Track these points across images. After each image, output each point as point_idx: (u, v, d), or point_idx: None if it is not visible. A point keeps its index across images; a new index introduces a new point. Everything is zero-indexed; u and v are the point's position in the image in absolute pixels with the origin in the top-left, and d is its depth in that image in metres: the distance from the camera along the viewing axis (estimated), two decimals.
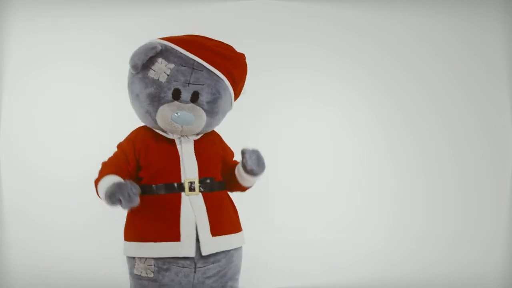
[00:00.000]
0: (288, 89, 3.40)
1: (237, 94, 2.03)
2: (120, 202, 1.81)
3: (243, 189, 2.06)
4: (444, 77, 3.47)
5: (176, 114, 1.89)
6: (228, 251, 1.96)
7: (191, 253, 1.89)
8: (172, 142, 1.96)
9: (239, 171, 1.99)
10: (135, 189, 1.80)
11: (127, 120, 2.05)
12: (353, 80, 3.46)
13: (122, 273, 2.84)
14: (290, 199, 3.37)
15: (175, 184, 1.91)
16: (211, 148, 2.00)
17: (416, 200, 3.44)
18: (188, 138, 1.96)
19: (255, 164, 1.93)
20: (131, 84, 1.98)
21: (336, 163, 3.45)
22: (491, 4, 3.43)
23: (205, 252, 1.90)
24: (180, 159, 1.93)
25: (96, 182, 1.96)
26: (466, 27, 3.45)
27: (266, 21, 3.43)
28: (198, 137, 1.99)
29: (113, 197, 1.81)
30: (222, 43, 2.04)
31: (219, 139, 2.07)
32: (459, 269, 3.31)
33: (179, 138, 1.96)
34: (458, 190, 3.44)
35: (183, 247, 1.89)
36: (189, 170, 1.93)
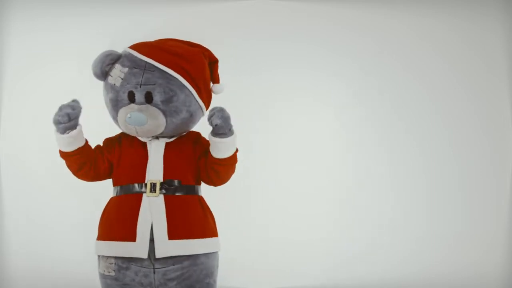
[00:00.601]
0: (288, 89, 3.40)
1: (202, 91, 1.98)
2: (60, 119, 1.87)
3: (217, 167, 1.97)
4: (444, 77, 3.47)
5: (128, 116, 1.90)
6: (192, 254, 1.95)
7: (144, 254, 1.89)
8: (143, 144, 1.98)
9: (209, 140, 1.95)
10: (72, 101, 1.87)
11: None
12: (353, 80, 3.46)
13: None
14: (290, 199, 3.37)
15: (137, 185, 1.93)
16: (183, 150, 1.99)
17: (416, 200, 3.43)
18: (159, 140, 1.97)
19: (218, 117, 1.87)
20: (102, 93, 2.03)
21: (335, 163, 3.45)
22: (491, 4, 3.42)
23: (159, 254, 1.89)
24: (148, 160, 1.95)
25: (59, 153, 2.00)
26: (466, 27, 3.44)
27: (266, 21, 3.43)
28: (172, 139, 1.99)
29: (55, 120, 1.88)
30: (183, 41, 2.04)
31: (197, 139, 2.03)
32: (459, 269, 3.31)
33: (150, 140, 1.97)
34: (458, 190, 3.43)
35: (137, 248, 1.89)
36: (154, 171, 1.93)
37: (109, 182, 3.22)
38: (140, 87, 1.90)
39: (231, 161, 1.97)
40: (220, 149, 1.93)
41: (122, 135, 2.03)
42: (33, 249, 3.26)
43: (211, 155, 1.95)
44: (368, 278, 3.28)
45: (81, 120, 3.29)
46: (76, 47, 3.38)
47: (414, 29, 3.46)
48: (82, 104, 1.91)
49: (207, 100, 2.02)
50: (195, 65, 1.97)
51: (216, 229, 2.03)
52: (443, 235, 3.39)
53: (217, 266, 2.03)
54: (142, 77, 1.91)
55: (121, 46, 2.08)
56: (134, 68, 1.93)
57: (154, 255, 1.90)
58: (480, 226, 3.40)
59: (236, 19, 3.40)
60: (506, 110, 3.43)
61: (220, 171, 1.98)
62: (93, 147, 2.04)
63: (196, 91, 1.96)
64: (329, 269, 3.30)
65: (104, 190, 3.25)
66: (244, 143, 3.12)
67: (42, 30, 3.37)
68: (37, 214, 3.32)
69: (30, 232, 3.31)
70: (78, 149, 1.94)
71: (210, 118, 1.89)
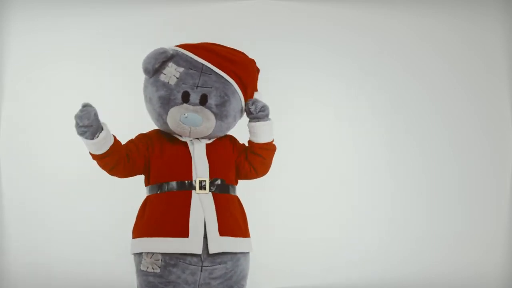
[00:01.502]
0: (288, 89, 3.40)
1: (248, 98, 2.04)
2: (84, 125, 1.86)
3: (261, 152, 2.05)
4: (444, 77, 3.47)
5: (184, 116, 1.93)
6: (235, 254, 1.97)
7: (199, 250, 1.90)
8: (184, 144, 2.00)
9: (249, 129, 2.03)
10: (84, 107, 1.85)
11: (127, 119, 2.06)
12: (352, 80, 3.46)
13: (123, 272, 2.85)
14: (290, 199, 3.37)
15: (186, 182, 1.95)
16: (223, 151, 2.03)
17: (416, 200, 3.44)
18: (200, 141, 2.00)
19: (256, 101, 2.00)
20: (144, 88, 2.03)
21: (335, 163, 3.45)
22: (491, 4, 3.43)
23: (212, 250, 1.91)
24: (192, 159, 1.97)
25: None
26: (466, 27, 3.45)
27: (266, 21, 3.43)
28: (211, 141, 2.02)
29: (75, 125, 1.87)
30: (234, 49, 2.08)
31: (233, 141, 2.09)
32: (459, 269, 3.31)
33: (191, 140, 2.00)
34: (458, 190, 3.44)
35: (191, 244, 1.90)
36: (200, 170, 1.96)
37: (107, 180, 3.23)
38: (197, 88, 1.94)
39: (273, 146, 2.06)
40: (264, 132, 2.01)
41: (160, 132, 2.04)
42: (34, 249, 3.26)
43: (254, 142, 2.03)
44: (368, 278, 3.28)
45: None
46: (76, 47, 3.38)
47: (414, 29, 3.46)
48: (92, 104, 1.88)
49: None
50: (248, 73, 2.04)
51: (249, 230, 2.07)
52: (443, 235, 3.39)
53: (249, 268, 2.06)
54: (200, 79, 1.95)
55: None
56: (191, 69, 1.96)
57: (205, 252, 1.92)
58: (480, 226, 3.40)
59: (236, 19, 3.40)
60: (506, 110, 3.43)
61: (265, 156, 2.05)
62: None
63: (244, 97, 2.02)
64: (329, 269, 3.30)
65: (103, 189, 3.27)
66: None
67: (42, 30, 3.37)
68: (37, 214, 3.32)
69: (30, 231, 3.31)
70: (110, 148, 1.94)
71: (253, 104, 1.99)
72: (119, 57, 3.31)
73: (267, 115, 2.01)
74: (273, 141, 2.07)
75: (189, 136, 1.99)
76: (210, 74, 1.96)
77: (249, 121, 2.03)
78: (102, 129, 1.89)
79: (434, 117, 3.47)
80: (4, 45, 3.35)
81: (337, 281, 3.26)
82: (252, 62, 2.08)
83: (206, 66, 1.96)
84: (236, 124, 2.07)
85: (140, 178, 2.10)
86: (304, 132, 3.43)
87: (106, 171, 2.03)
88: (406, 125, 3.47)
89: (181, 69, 1.95)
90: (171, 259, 1.92)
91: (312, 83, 3.44)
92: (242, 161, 2.05)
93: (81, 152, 3.30)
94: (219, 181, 1.97)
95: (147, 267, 1.95)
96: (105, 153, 1.94)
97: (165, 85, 1.95)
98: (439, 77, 3.47)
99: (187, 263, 1.92)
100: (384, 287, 3.22)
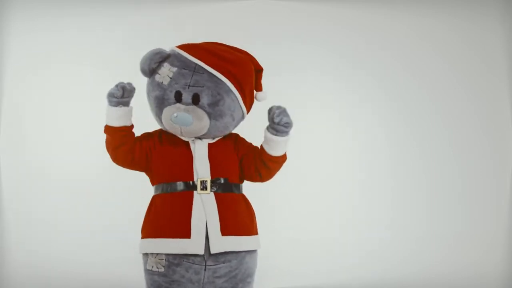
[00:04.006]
0: (288, 89, 3.40)
1: (247, 97, 2.03)
2: (115, 92, 1.94)
3: (270, 164, 2.03)
4: (444, 77, 3.47)
5: (174, 115, 1.93)
6: (239, 252, 1.98)
7: (201, 250, 1.92)
8: (187, 144, 2.00)
9: (265, 137, 2.00)
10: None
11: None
12: (353, 80, 3.46)
13: (123, 273, 2.85)
14: (291, 200, 3.37)
15: (187, 183, 1.95)
16: (225, 150, 2.03)
17: (416, 200, 3.44)
18: (202, 140, 2.00)
19: (287, 115, 1.97)
20: (146, 89, 2.05)
21: (336, 163, 3.45)
22: (491, 4, 3.43)
23: (214, 250, 1.92)
24: (193, 159, 1.97)
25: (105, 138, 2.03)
26: (466, 27, 3.45)
27: (266, 21, 3.43)
28: (214, 140, 2.02)
29: (110, 93, 1.95)
30: (233, 48, 2.07)
31: (239, 140, 2.08)
32: (459, 269, 3.31)
33: (193, 140, 2.00)
34: (458, 190, 3.44)
35: (193, 244, 1.92)
36: (202, 170, 1.97)
37: (107, 180, 3.23)
38: (189, 88, 1.94)
39: (284, 158, 2.05)
40: (278, 146, 1.99)
41: (163, 132, 2.05)
42: (34, 249, 3.26)
43: (266, 152, 2.00)
44: (368, 278, 3.28)
45: (81, 119, 3.30)
46: (76, 47, 3.38)
47: (414, 29, 3.46)
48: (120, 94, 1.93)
49: (249, 106, 2.06)
50: (243, 71, 2.01)
51: (257, 228, 2.07)
52: (443, 235, 3.39)
53: (256, 265, 2.07)
54: (191, 78, 1.95)
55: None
56: (184, 68, 1.96)
57: (208, 252, 1.93)
58: (480, 226, 3.41)
59: (236, 19, 3.40)
60: (506, 110, 3.43)
61: (273, 168, 2.04)
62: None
63: (241, 96, 2.00)
64: (329, 269, 3.30)
65: (104, 189, 3.27)
66: None
67: (42, 30, 3.37)
68: (37, 213, 3.32)
69: (30, 231, 3.31)
70: (125, 126, 1.97)
71: (278, 116, 1.95)
72: (119, 57, 3.31)
73: (287, 132, 1.98)
74: (285, 153, 2.04)
75: (182, 135, 1.99)
76: (203, 73, 1.95)
77: (267, 129, 1.99)
78: (127, 106, 1.96)
79: (434, 117, 3.47)
80: (4, 45, 3.35)
81: (337, 281, 3.26)
82: (250, 60, 2.06)
83: (198, 65, 1.96)
84: (241, 123, 2.06)
85: (141, 178, 2.10)
86: (304, 132, 3.43)
87: (112, 149, 2.02)
88: (406, 125, 3.47)
89: (175, 69, 1.96)
90: (175, 259, 1.94)
91: (312, 83, 3.44)
92: (248, 162, 2.04)
93: (81, 152, 3.33)
94: (221, 180, 1.97)
95: (152, 267, 1.97)
96: (118, 127, 1.96)
97: (159, 85, 1.96)
98: (439, 77, 3.47)
99: (190, 263, 1.94)
100: (384, 287, 3.22)
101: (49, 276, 3.15)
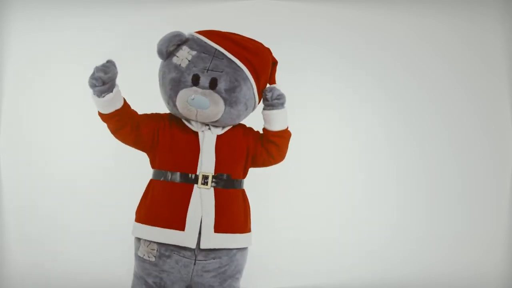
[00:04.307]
0: (288, 89, 3.40)
1: (261, 88, 2.05)
2: (94, 83, 1.89)
3: (276, 139, 2.06)
4: (444, 77, 3.47)
5: (191, 98, 1.92)
6: (231, 250, 1.98)
7: (193, 244, 1.93)
8: (195, 134, 2.00)
9: (264, 116, 2.05)
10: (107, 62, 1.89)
11: None
12: (353, 80, 3.46)
13: (123, 273, 2.84)
14: (291, 199, 3.37)
15: (190, 175, 1.96)
16: (234, 144, 2.03)
17: (416, 200, 3.44)
18: (211, 132, 2.00)
19: (274, 89, 2.02)
20: (159, 72, 2.04)
21: (336, 163, 3.45)
22: (491, 4, 3.43)
23: (204, 246, 1.94)
24: (200, 152, 1.97)
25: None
26: (466, 27, 3.44)
27: (266, 21, 3.43)
28: (223, 131, 2.02)
29: (90, 84, 1.90)
30: (250, 38, 2.09)
31: (247, 131, 2.09)
32: (459, 269, 3.31)
33: (202, 131, 2.00)
34: (458, 190, 3.44)
35: (186, 237, 1.93)
36: (206, 164, 1.97)
37: (107, 180, 3.23)
38: (207, 72, 1.94)
39: (288, 133, 2.08)
40: (277, 121, 2.03)
41: (173, 117, 2.04)
42: (34, 249, 3.26)
43: (269, 130, 2.04)
44: (368, 278, 3.28)
45: (81, 119, 3.29)
46: (76, 47, 3.38)
47: (414, 29, 3.46)
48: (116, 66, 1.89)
49: (260, 97, 2.08)
50: (261, 60, 2.03)
51: (250, 224, 2.09)
52: (443, 235, 3.39)
53: (246, 261, 2.09)
54: (211, 62, 1.95)
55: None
56: (203, 53, 1.96)
57: (199, 246, 1.94)
58: (480, 226, 3.40)
59: (236, 19, 3.40)
60: (506, 110, 3.43)
61: (281, 143, 2.07)
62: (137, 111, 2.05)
63: (256, 86, 2.01)
64: (329, 269, 3.30)
65: (104, 189, 3.27)
66: None
67: (42, 30, 3.37)
68: (37, 213, 3.32)
69: (30, 230, 3.31)
70: (116, 111, 1.95)
71: (270, 91, 2.01)
72: (119, 57, 3.29)
73: (282, 104, 2.03)
74: (287, 128, 2.09)
75: (196, 119, 1.98)
76: (222, 59, 1.96)
77: (264, 109, 2.04)
78: (111, 91, 1.90)
79: (434, 117, 3.47)
80: (4, 45, 3.35)
81: (337, 281, 3.26)
82: (267, 51, 2.09)
83: (218, 50, 1.96)
84: (251, 114, 2.07)
85: (141, 178, 2.10)
86: (304, 132, 3.43)
87: (111, 132, 2.02)
88: (406, 125, 3.47)
89: (194, 53, 1.96)
90: (166, 250, 1.96)
91: (312, 83, 3.44)
92: (259, 148, 2.06)
93: (81, 152, 3.33)
94: (224, 176, 1.98)
95: (144, 255, 1.99)
96: (109, 114, 1.95)
97: (177, 67, 1.96)
98: (439, 77, 3.47)
99: (181, 256, 1.96)
100: (384, 287, 3.22)
101: (49, 276, 3.15)
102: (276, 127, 2.04)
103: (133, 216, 2.08)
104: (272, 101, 2.01)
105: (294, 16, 3.46)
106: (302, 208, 3.38)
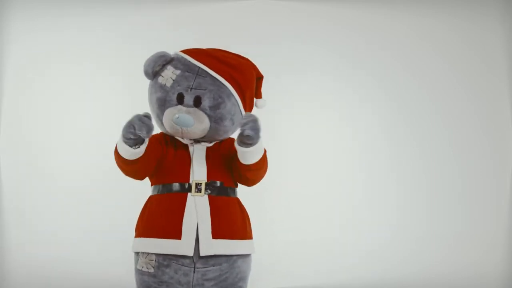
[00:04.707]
0: (287, 90, 3.40)
1: (247, 103, 2.05)
2: (134, 129, 1.83)
3: (246, 173, 2.00)
4: (444, 77, 3.47)
5: (176, 116, 1.94)
6: (231, 256, 1.98)
7: (190, 252, 1.93)
8: (185, 146, 2.02)
9: (236, 148, 1.96)
10: (145, 117, 1.85)
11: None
12: (353, 80, 3.46)
13: (123, 272, 2.84)
14: (291, 200, 3.37)
15: (183, 184, 1.97)
16: (223, 154, 2.04)
17: (416, 200, 3.44)
18: (200, 144, 2.01)
19: (251, 128, 1.88)
20: (148, 91, 2.06)
21: (336, 163, 3.45)
22: (491, 4, 3.43)
23: (203, 252, 1.93)
24: (191, 161, 1.99)
25: (115, 152, 1.98)
26: (466, 27, 3.45)
27: (266, 21, 3.43)
28: (212, 144, 2.03)
29: (126, 127, 1.84)
30: (236, 54, 2.08)
31: (233, 143, 2.05)
32: (459, 269, 3.31)
33: (192, 143, 2.01)
34: (458, 190, 3.44)
35: (183, 245, 1.93)
36: (198, 172, 1.98)
37: (107, 180, 3.23)
38: (191, 90, 1.96)
39: (259, 165, 2.00)
40: (246, 157, 1.97)
41: (166, 136, 2.06)
42: (33, 249, 3.26)
43: (241, 163, 1.98)
44: (368, 278, 3.28)
45: (82, 119, 3.28)
46: (76, 47, 3.38)
47: (414, 29, 3.46)
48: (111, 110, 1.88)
49: (248, 111, 2.07)
50: (245, 77, 2.03)
51: (251, 232, 2.07)
52: (443, 235, 3.39)
53: (250, 270, 2.07)
54: (194, 81, 1.97)
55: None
56: (187, 71, 1.98)
57: (198, 254, 1.93)
58: (480, 226, 3.40)
59: (236, 19, 3.40)
60: (506, 110, 3.43)
61: (249, 176, 2.03)
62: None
63: (242, 101, 2.02)
64: (329, 269, 3.30)
65: (104, 189, 3.27)
66: None
67: (42, 30, 3.37)
68: (37, 213, 3.32)
69: (30, 230, 3.31)
70: (139, 158, 1.94)
71: (243, 126, 1.89)
72: (119, 57, 3.31)
73: (250, 145, 1.91)
74: (263, 155, 1.99)
75: (182, 137, 2.00)
76: (206, 77, 1.97)
77: (235, 142, 1.95)
78: (145, 142, 1.90)
79: (434, 117, 3.47)
80: (4, 45, 3.35)
81: (337, 281, 3.26)
82: (252, 67, 2.08)
83: (202, 69, 1.98)
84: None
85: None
86: (304, 133, 3.43)
87: (123, 172, 2.02)
88: (406, 125, 3.47)
89: (178, 72, 1.98)
90: (164, 260, 1.95)
91: (312, 83, 3.44)
92: (234, 167, 2.01)
93: (81, 152, 3.33)
94: (217, 183, 1.98)
95: (142, 267, 1.99)
96: (132, 160, 1.94)
97: (162, 87, 1.98)
98: (439, 77, 3.47)
99: (179, 264, 1.95)
100: (384, 287, 3.22)
101: (49, 276, 3.15)
102: (245, 161, 1.97)
103: (133, 216, 2.08)
104: (241, 137, 1.90)
105: (294, 16, 3.46)
106: (302, 208, 3.38)
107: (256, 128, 1.89)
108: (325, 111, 3.45)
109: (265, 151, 2.02)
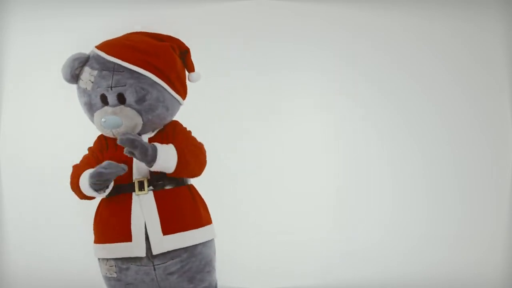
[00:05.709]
0: (287, 90, 3.40)
1: (175, 84, 1.98)
2: (107, 176, 1.81)
3: (179, 175, 1.94)
4: (444, 78, 3.47)
5: (102, 120, 1.91)
6: (188, 247, 1.95)
7: (142, 253, 1.91)
8: None
9: None
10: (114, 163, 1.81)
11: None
12: (352, 80, 3.46)
13: None
14: (289, 199, 3.37)
15: (125, 185, 1.93)
16: (165, 143, 1.95)
17: (416, 200, 3.44)
18: (141, 137, 1.94)
19: (127, 152, 1.83)
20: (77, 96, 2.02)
21: (335, 163, 3.45)
22: (491, 4, 3.42)
23: (155, 251, 1.91)
24: (133, 159, 1.92)
25: (74, 182, 1.98)
26: (466, 27, 3.44)
27: (266, 21, 3.43)
28: (154, 133, 1.98)
29: (99, 175, 1.81)
30: (151, 35, 2.01)
31: (175, 130, 2.01)
32: (459, 269, 3.31)
33: None
34: (458, 190, 3.43)
35: (134, 247, 1.91)
36: (140, 170, 1.93)
37: None
38: (111, 89, 1.90)
39: (182, 165, 1.91)
40: (162, 170, 1.90)
41: (101, 137, 2.04)
42: (33, 250, 3.27)
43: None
44: (368, 278, 3.28)
45: (82, 120, 3.28)
46: (76, 47, 3.37)
47: (414, 29, 3.46)
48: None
49: (182, 91, 2.01)
50: (163, 59, 1.95)
51: (209, 216, 2.02)
52: (443, 235, 3.39)
53: (215, 253, 2.03)
54: (112, 79, 1.91)
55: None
56: (103, 70, 1.92)
57: (151, 253, 1.91)
58: (480, 226, 3.40)
59: (236, 19, 3.40)
60: (506, 110, 3.43)
61: (185, 176, 1.96)
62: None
63: (168, 85, 1.95)
64: (328, 269, 3.30)
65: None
66: (243, 144, 3.13)
67: (42, 30, 3.37)
68: (37, 213, 3.32)
69: (30, 230, 3.31)
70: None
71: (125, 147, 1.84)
72: None
73: (149, 162, 1.84)
74: (181, 153, 1.89)
75: (114, 137, 1.94)
76: (123, 71, 1.91)
77: None
78: (109, 186, 1.88)
79: (433, 117, 3.46)
80: (4, 45, 3.35)
81: (336, 281, 3.26)
82: (169, 46, 1.98)
83: (117, 64, 1.92)
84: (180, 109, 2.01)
85: None
86: (303, 133, 3.43)
87: (78, 197, 2.03)
88: (406, 125, 3.46)
89: (95, 72, 1.93)
90: (123, 263, 1.94)
91: (311, 83, 3.44)
92: None
93: (81, 152, 3.32)
94: (161, 177, 1.93)
95: (106, 273, 1.99)
96: (93, 197, 1.96)
97: (85, 91, 1.95)
98: (438, 77, 3.46)
99: (138, 265, 1.93)
100: (384, 287, 3.22)
101: (49, 276, 3.15)
102: (167, 171, 1.89)
103: None
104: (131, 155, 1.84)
105: (294, 16, 3.45)
106: (301, 208, 3.38)
107: (134, 147, 1.80)
108: (323, 111, 3.45)
109: (185, 146, 1.92)
